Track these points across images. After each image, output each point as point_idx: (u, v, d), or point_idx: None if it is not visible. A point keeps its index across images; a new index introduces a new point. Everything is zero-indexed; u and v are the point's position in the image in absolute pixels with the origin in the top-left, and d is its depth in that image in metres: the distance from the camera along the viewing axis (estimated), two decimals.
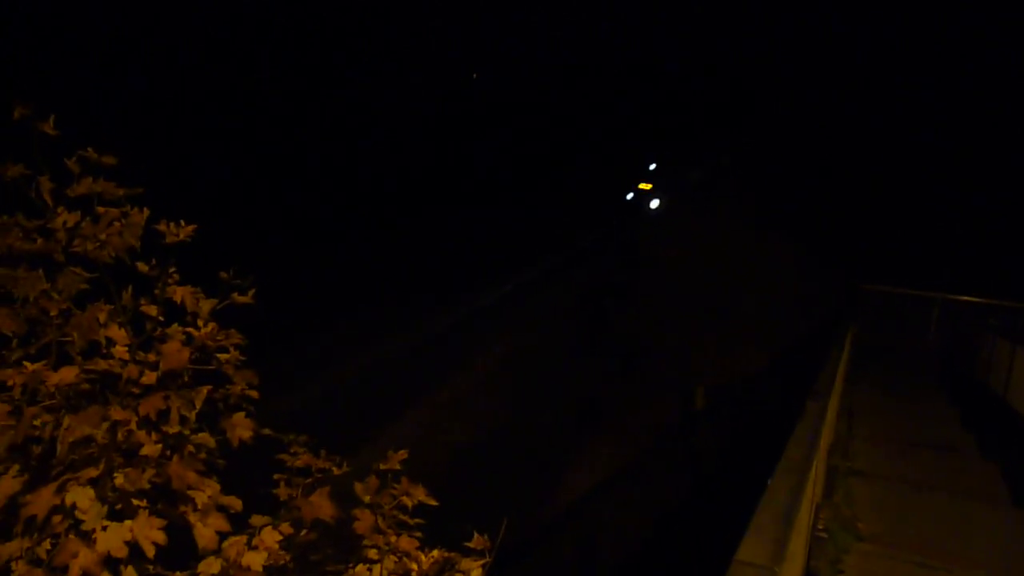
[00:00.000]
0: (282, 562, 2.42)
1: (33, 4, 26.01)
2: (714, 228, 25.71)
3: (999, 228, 24.34)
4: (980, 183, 28.09)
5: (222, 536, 2.32)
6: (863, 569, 5.97)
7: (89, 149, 2.39)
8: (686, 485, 14.19)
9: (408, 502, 2.77)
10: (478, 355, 20.63)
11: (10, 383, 2.18)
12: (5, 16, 24.47)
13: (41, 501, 2.03)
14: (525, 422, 17.12)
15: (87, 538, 2.05)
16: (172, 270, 2.47)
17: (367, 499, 2.72)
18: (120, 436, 2.20)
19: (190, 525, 2.29)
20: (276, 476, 2.75)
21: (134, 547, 2.09)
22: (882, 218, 27.01)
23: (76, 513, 2.04)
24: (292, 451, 2.76)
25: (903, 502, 7.54)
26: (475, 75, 54.46)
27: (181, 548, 2.28)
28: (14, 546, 2.03)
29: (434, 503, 2.79)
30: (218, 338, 2.47)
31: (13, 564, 2.01)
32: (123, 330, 2.34)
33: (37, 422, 2.14)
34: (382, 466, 2.78)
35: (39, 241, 2.30)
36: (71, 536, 2.04)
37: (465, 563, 2.74)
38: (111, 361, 2.30)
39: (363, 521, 2.70)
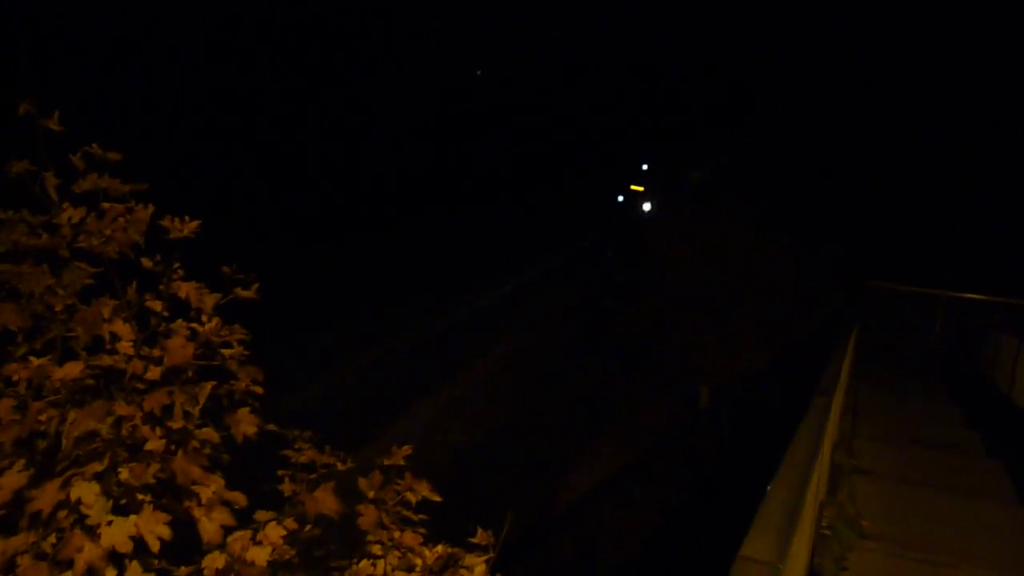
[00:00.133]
0: (287, 557, 2.43)
1: (34, 4, 26.06)
2: (715, 228, 25.71)
3: (1000, 226, 24.33)
4: (980, 181, 28.09)
5: (227, 531, 2.33)
6: (867, 566, 5.97)
7: (94, 145, 2.39)
8: (688, 484, 14.19)
9: (412, 498, 2.77)
10: (478, 355, 20.63)
11: (15, 378, 2.19)
12: (7, 15, 24.51)
13: (46, 496, 2.04)
14: (526, 422, 17.13)
15: (92, 532, 2.05)
16: (177, 266, 2.47)
17: (371, 495, 2.72)
18: (125, 431, 2.20)
19: (195, 520, 2.30)
20: (280, 472, 2.75)
21: (139, 542, 2.10)
22: (883, 217, 26.99)
23: (81, 508, 2.05)
24: (296, 447, 2.76)
25: (908, 500, 7.53)
26: (479, 72, 54.48)
27: (186, 543, 2.28)
28: (19, 540, 2.04)
29: (438, 499, 2.80)
30: (222, 334, 2.47)
31: (19, 558, 2.02)
32: (128, 325, 2.34)
33: (42, 417, 2.14)
34: (386, 461, 2.78)
35: (44, 237, 2.30)
36: (76, 530, 2.05)
37: (469, 559, 2.74)
38: (116, 356, 2.30)
39: (367, 516, 2.70)
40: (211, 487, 2.32)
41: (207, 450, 2.37)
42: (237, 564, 2.29)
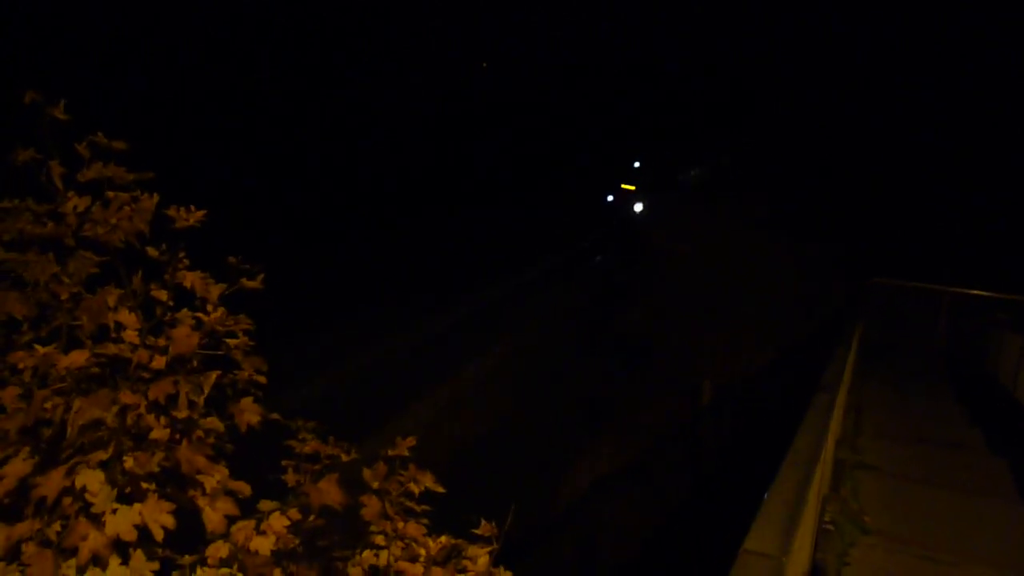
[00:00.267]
0: (290, 546, 2.43)
1: (36, 3, 26.08)
2: (715, 227, 25.70)
3: (1002, 224, 24.33)
4: (981, 179, 28.11)
5: (231, 520, 2.33)
6: (869, 562, 5.96)
7: (99, 134, 2.39)
8: (691, 480, 14.19)
9: (415, 489, 2.77)
10: (478, 355, 20.60)
11: (21, 366, 2.19)
12: (10, 12, 24.54)
13: (51, 483, 2.04)
14: (526, 420, 17.12)
15: (97, 521, 2.05)
16: (182, 255, 2.47)
17: (375, 485, 2.72)
18: (130, 420, 2.21)
19: (199, 509, 2.29)
20: (284, 462, 2.75)
21: (143, 530, 2.10)
22: (885, 215, 27.00)
23: (86, 496, 2.05)
24: (300, 437, 2.77)
25: (910, 497, 7.53)
26: (484, 64, 54.42)
27: (190, 532, 2.28)
28: (24, 527, 2.04)
29: (441, 490, 2.79)
30: (227, 323, 2.47)
31: (24, 545, 2.02)
32: (133, 314, 2.35)
33: (47, 405, 2.15)
34: (390, 452, 2.78)
35: (50, 225, 2.31)
36: (81, 518, 2.05)
37: (472, 550, 2.74)
38: (121, 345, 2.30)
39: (370, 507, 2.70)
40: (215, 476, 2.32)
41: (211, 439, 2.38)
42: (241, 553, 2.29)
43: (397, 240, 30.13)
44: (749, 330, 19.73)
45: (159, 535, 2.11)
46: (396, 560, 2.64)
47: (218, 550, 2.28)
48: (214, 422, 2.39)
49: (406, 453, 2.79)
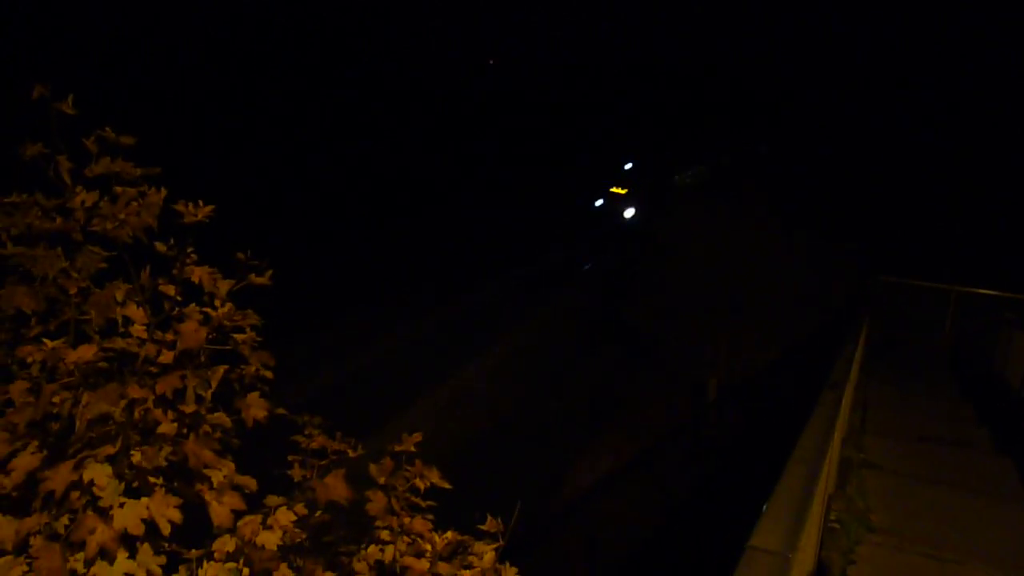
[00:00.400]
0: (297, 541, 2.44)
1: (36, 3, 26.18)
2: (716, 227, 25.55)
3: (1003, 224, 24.21)
4: (988, 177, 27.96)
5: (237, 515, 2.34)
6: (875, 560, 5.96)
7: (107, 129, 2.40)
8: (696, 476, 14.18)
9: (421, 484, 2.78)
10: (478, 355, 20.56)
11: (29, 360, 2.20)
12: (12, 11, 24.64)
13: (59, 477, 2.05)
14: (528, 419, 17.12)
15: (104, 514, 2.06)
16: (190, 250, 2.48)
17: (381, 480, 2.73)
18: (137, 414, 2.22)
19: (206, 503, 2.31)
20: (291, 457, 2.76)
21: (150, 524, 2.11)
22: (887, 215, 26.88)
23: (94, 490, 2.06)
24: (307, 433, 2.78)
25: (916, 495, 7.51)
26: (491, 61, 54.26)
27: (197, 526, 2.30)
28: (32, 521, 2.05)
29: (447, 486, 2.80)
30: (235, 318, 2.48)
31: (32, 539, 2.03)
32: (141, 309, 2.36)
33: (56, 399, 2.16)
34: (396, 448, 2.79)
35: (58, 220, 2.32)
36: (88, 512, 2.06)
37: (478, 546, 2.75)
38: (129, 340, 2.31)
39: (376, 502, 2.71)
40: (222, 471, 2.34)
41: (218, 434, 2.39)
42: (247, 548, 2.30)
43: (396, 240, 30.09)
44: (751, 329, 19.65)
45: (166, 529, 2.12)
46: (402, 555, 2.64)
47: (225, 544, 2.30)
48: (221, 417, 2.40)
49: (412, 449, 2.79)
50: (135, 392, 2.20)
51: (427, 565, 2.63)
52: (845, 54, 45.65)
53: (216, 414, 2.40)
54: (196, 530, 2.30)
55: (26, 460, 2.09)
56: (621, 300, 23.37)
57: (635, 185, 40.46)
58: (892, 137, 34.36)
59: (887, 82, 40.81)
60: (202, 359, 2.40)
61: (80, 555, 2.03)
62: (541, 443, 16.02)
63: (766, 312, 19.81)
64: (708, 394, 17.12)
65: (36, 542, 2.02)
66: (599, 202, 39.96)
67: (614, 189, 40.10)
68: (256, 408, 2.48)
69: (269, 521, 2.38)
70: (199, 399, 2.34)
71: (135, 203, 2.36)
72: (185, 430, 2.30)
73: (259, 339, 2.56)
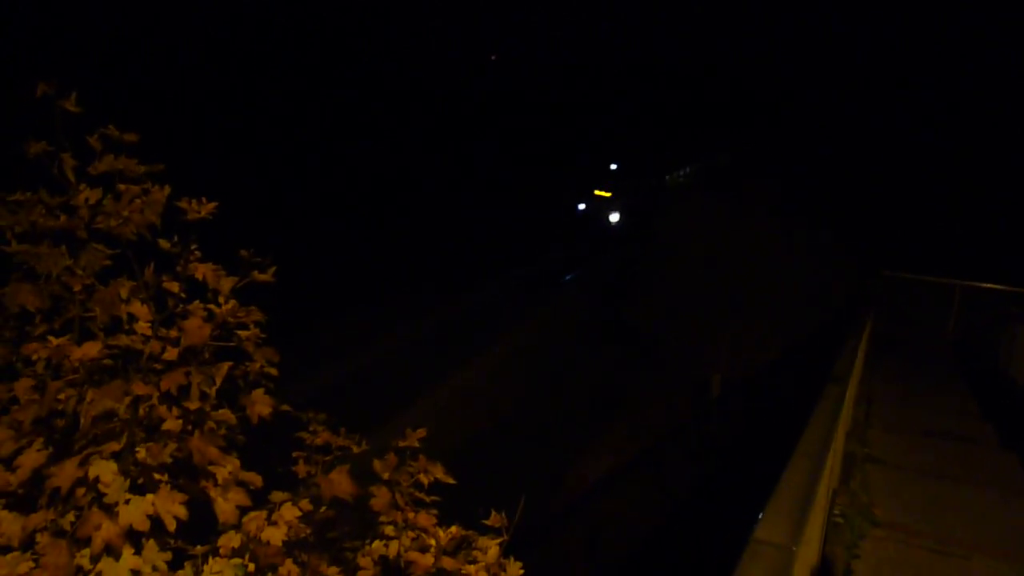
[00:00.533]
0: (302, 536, 2.44)
1: (36, 3, 26.20)
2: (717, 227, 25.48)
3: (1003, 224, 24.19)
4: (983, 176, 27.99)
5: (242, 511, 2.34)
6: (879, 555, 5.95)
7: (111, 127, 2.40)
8: (698, 475, 14.16)
9: (425, 480, 2.78)
10: (479, 354, 20.55)
11: (34, 357, 2.21)
12: (14, 11, 24.67)
13: (65, 474, 2.06)
14: (531, 418, 17.11)
15: (110, 511, 2.07)
16: (194, 247, 2.48)
17: (386, 476, 2.73)
18: (142, 411, 2.22)
19: (211, 500, 2.31)
20: (295, 454, 2.77)
21: (156, 521, 2.12)
22: (888, 212, 26.88)
23: (99, 486, 2.06)
24: (311, 429, 2.78)
25: (921, 490, 7.50)
26: (493, 57, 54.15)
27: (202, 522, 2.30)
28: (38, 518, 2.06)
29: (451, 481, 2.81)
30: (239, 315, 2.49)
31: (38, 535, 2.04)
32: (145, 306, 2.36)
33: (61, 396, 2.17)
34: (400, 443, 2.80)
35: (62, 218, 2.32)
36: (94, 509, 2.06)
37: (483, 541, 2.75)
38: (133, 337, 2.32)
39: (380, 498, 2.71)
40: (227, 467, 2.34)
41: (223, 431, 2.39)
42: (252, 544, 2.31)
43: (396, 240, 30.05)
44: (752, 328, 19.63)
45: (172, 525, 2.13)
46: (406, 550, 2.65)
47: (230, 540, 2.30)
48: (226, 413, 2.41)
49: (416, 444, 2.80)
50: (140, 389, 2.20)
51: (431, 560, 2.63)
52: (845, 54, 45.64)
53: (221, 411, 2.41)
54: (202, 526, 2.31)
55: (32, 457, 2.10)
56: (621, 300, 23.36)
57: (621, 187, 38.05)
58: (892, 137, 34.35)
59: (887, 82, 40.80)
60: (206, 356, 2.41)
61: (86, 551, 2.04)
62: (541, 443, 16.01)
63: (767, 311, 19.80)
64: (712, 390, 17.11)
65: (42, 539, 2.03)
66: (582, 206, 37.57)
67: (598, 192, 37.63)
68: (261, 405, 2.48)
69: (274, 517, 2.38)
70: (204, 396, 2.34)
71: (139, 200, 2.37)
72: (190, 427, 2.30)
73: (263, 335, 2.57)
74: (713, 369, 17.64)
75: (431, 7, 48.41)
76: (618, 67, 57.72)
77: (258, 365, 2.54)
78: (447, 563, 2.65)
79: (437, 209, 34.25)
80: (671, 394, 17.79)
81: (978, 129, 32.08)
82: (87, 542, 2.03)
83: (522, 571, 2.75)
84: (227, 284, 2.49)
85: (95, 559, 2.04)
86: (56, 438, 2.16)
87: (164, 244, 2.44)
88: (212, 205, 2.48)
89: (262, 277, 2.57)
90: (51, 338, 2.22)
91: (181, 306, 2.42)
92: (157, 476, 2.17)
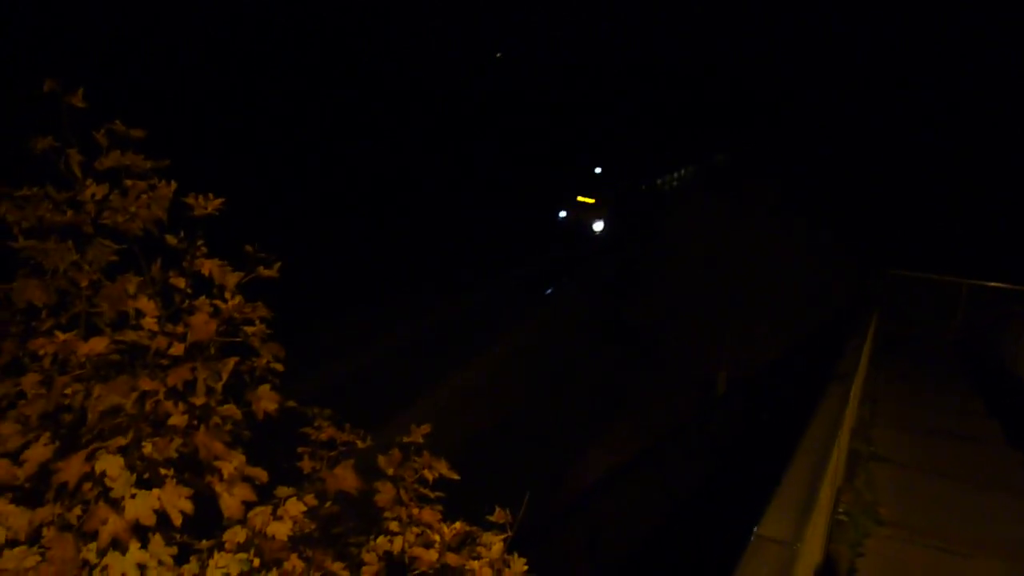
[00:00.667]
0: (307, 531, 2.45)
1: (36, 3, 26.23)
2: (717, 229, 25.43)
3: (1007, 222, 24.16)
4: (984, 175, 27.97)
5: (248, 506, 2.35)
6: (884, 553, 5.94)
7: (117, 122, 2.41)
8: (701, 471, 14.15)
9: (429, 475, 2.79)
10: (479, 353, 20.53)
11: (41, 352, 2.21)
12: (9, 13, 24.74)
13: (72, 468, 2.06)
14: (533, 416, 17.11)
15: (116, 505, 2.08)
16: (200, 243, 2.49)
17: (390, 472, 2.74)
18: (148, 406, 2.23)
19: (216, 495, 2.32)
20: (300, 449, 2.77)
21: (162, 515, 2.12)
22: (890, 213, 26.86)
23: (106, 481, 2.07)
24: (316, 425, 2.79)
25: (925, 489, 7.49)
26: (498, 55, 54.06)
27: (207, 517, 2.31)
28: (46, 512, 2.07)
29: (455, 477, 2.81)
30: (245, 311, 2.49)
31: (44, 529, 2.04)
32: (152, 302, 2.37)
33: (68, 391, 2.17)
34: (405, 439, 2.80)
35: (69, 213, 2.33)
36: (101, 503, 2.07)
37: (487, 536, 2.75)
38: (140, 332, 2.33)
39: (385, 493, 2.72)
40: (233, 463, 2.35)
41: (229, 426, 2.40)
42: (258, 538, 2.31)
43: (397, 240, 30.02)
44: (753, 328, 19.61)
45: (177, 520, 2.14)
46: (411, 546, 2.65)
47: (235, 535, 2.31)
48: (231, 409, 2.41)
49: (420, 440, 2.80)
50: (146, 384, 2.21)
51: (436, 555, 2.64)
52: (845, 54, 45.60)
53: (227, 406, 2.41)
54: (207, 521, 2.32)
55: (39, 451, 2.11)
56: (621, 300, 23.35)
57: (607, 192, 35.69)
58: (892, 137, 34.31)
59: (887, 82, 40.77)
60: (212, 351, 2.41)
61: (92, 545, 2.05)
62: (542, 443, 16.00)
63: (767, 311, 19.79)
64: (717, 388, 17.11)
65: (49, 532, 2.04)
66: (563, 213, 34.98)
67: (581, 198, 35.01)
68: (267, 400, 2.49)
69: (279, 512, 2.39)
70: (210, 391, 2.35)
71: (145, 196, 2.37)
72: (196, 422, 2.31)
73: (269, 331, 2.57)
74: (717, 367, 17.63)
75: (431, 7, 48.36)
76: (618, 67, 57.59)
77: (264, 361, 2.54)
78: (451, 559, 2.65)
79: (437, 209, 34.18)
80: (672, 394, 17.79)
81: (978, 129, 32.05)
82: (93, 536, 2.04)
83: (526, 567, 2.75)
84: (232, 280, 2.49)
85: (101, 553, 2.05)
86: (63, 433, 2.17)
87: (171, 240, 2.45)
88: (219, 201, 2.48)
89: (267, 273, 2.58)
90: (58, 333, 2.23)
91: (187, 302, 2.43)
92: (163, 471, 2.18)
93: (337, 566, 2.52)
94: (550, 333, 23.08)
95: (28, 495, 2.11)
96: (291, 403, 2.60)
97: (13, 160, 2.38)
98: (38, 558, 2.00)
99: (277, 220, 25.60)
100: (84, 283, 2.30)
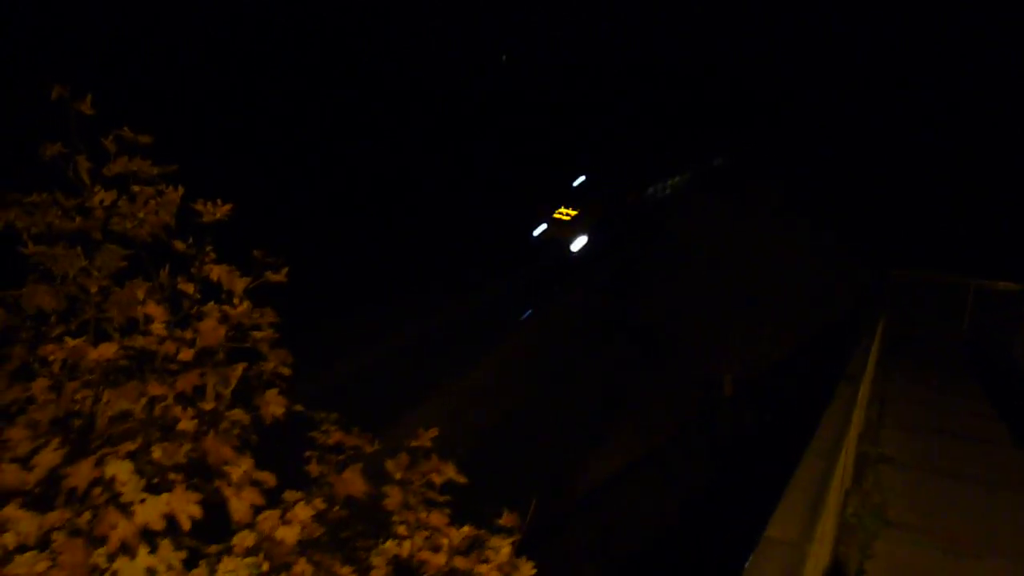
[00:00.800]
0: (316, 535, 2.45)
1: (37, 3, 26.33)
2: (717, 230, 25.42)
3: (1009, 223, 24.11)
4: (985, 175, 27.93)
5: (256, 510, 2.35)
6: (892, 555, 5.92)
7: (125, 128, 2.42)
8: (709, 472, 14.14)
9: (437, 479, 2.79)
10: (486, 353, 20.54)
11: (51, 358, 2.22)
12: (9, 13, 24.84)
13: (81, 473, 2.07)
14: (538, 417, 17.11)
15: (126, 510, 2.08)
16: (208, 248, 2.50)
17: (398, 476, 2.74)
18: (157, 411, 2.24)
19: (225, 499, 2.32)
20: (308, 453, 2.78)
21: (171, 520, 2.13)
22: (892, 214, 26.83)
23: (115, 485, 2.08)
24: (324, 429, 2.79)
25: (934, 490, 7.46)
26: (503, 56, 54.04)
27: (216, 522, 2.31)
28: (55, 517, 2.07)
29: (463, 480, 2.81)
30: (253, 316, 2.50)
31: (54, 534, 2.05)
32: (161, 307, 2.38)
33: (77, 396, 2.18)
34: (412, 443, 2.80)
35: (77, 219, 2.34)
36: (110, 508, 2.08)
37: (495, 540, 2.75)
38: (149, 338, 2.33)
39: (393, 498, 2.72)
40: (241, 467, 2.35)
41: (237, 431, 2.41)
42: (266, 543, 2.32)
43: (404, 239, 30.00)
44: (758, 329, 19.59)
45: (186, 525, 2.14)
46: (419, 550, 2.65)
47: (244, 539, 2.31)
48: (240, 414, 2.42)
49: (428, 444, 2.81)
50: (155, 389, 2.22)
51: (444, 559, 2.64)
52: (845, 54, 45.57)
53: (235, 411, 2.42)
54: (216, 525, 2.32)
55: (48, 457, 2.11)
56: (626, 302, 23.35)
57: (589, 205, 32.89)
58: (893, 137, 34.28)
59: (887, 82, 40.75)
60: (221, 356, 2.42)
61: (102, 550, 2.05)
62: (550, 442, 16.01)
63: (771, 312, 19.78)
64: (724, 390, 17.08)
65: (59, 537, 2.04)
66: (540, 229, 31.98)
67: (559, 212, 32.17)
68: (275, 405, 2.49)
69: (288, 516, 2.40)
70: (218, 396, 2.36)
71: (153, 202, 2.39)
72: (204, 427, 2.32)
73: (277, 336, 2.58)
74: (724, 369, 17.61)
75: (431, 7, 48.37)
76: (618, 67, 57.50)
77: (272, 365, 2.55)
78: (459, 562, 2.65)
79: (445, 209, 34.19)
80: (676, 395, 17.77)
81: (979, 129, 32.01)
82: (103, 541, 2.05)
83: (534, 571, 2.75)
84: (240, 285, 2.50)
85: (111, 558, 2.06)
86: (72, 438, 2.18)
87: (179, 245, 2.46)
88: (227, 207, 2.49)
89: (275, 278, 2.59)
90: (68, 339, 2.24)
91: (196, 307, 2.44)
92: (172, 476, 2.19)
93: (346, 570, 2.53)
94: (556, 333, 23.09)
95: (38, 500, 2.11)
96: (298, 407, 2.61)
97: (22, 166, 2.40)
98: (48, 563, 2.00)
99: (284, 220, 25.67)
100: (93, 289, 2.31)
